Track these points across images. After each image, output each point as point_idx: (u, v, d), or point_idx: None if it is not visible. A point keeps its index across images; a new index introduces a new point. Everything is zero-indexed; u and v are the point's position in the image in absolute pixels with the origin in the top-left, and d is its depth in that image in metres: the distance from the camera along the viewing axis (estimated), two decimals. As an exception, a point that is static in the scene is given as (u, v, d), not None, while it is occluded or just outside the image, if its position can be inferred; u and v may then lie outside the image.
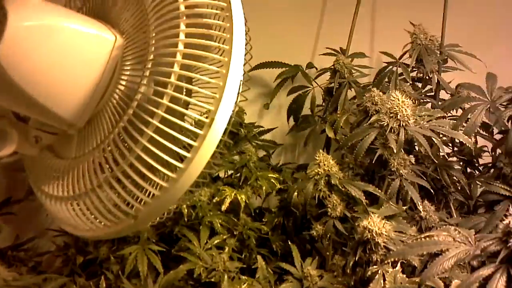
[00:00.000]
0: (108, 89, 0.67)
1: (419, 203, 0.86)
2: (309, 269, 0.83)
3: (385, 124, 0.84)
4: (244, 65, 0.65)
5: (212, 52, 0.66)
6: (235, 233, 0.96)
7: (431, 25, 1.04)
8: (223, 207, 0.94)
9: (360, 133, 0.88)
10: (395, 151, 0.84)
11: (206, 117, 0.62)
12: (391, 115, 0.84)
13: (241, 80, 0.64)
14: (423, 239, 0.62)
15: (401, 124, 0.84)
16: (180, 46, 0.62)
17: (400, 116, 0.83)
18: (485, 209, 0.94)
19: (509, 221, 0.54)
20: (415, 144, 0.90)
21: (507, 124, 0.88)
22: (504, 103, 0.88)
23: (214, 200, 0.95)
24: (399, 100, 0.84)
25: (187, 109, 0.66)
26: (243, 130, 1.09)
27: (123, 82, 0.67)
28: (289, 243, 0.91)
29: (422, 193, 0.91)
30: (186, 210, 0.91)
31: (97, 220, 0.67)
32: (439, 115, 0.90)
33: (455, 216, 0.94)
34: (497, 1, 1.23)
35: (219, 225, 0.93)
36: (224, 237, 0.93)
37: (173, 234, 0.94)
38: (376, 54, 1.19)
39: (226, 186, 0.98)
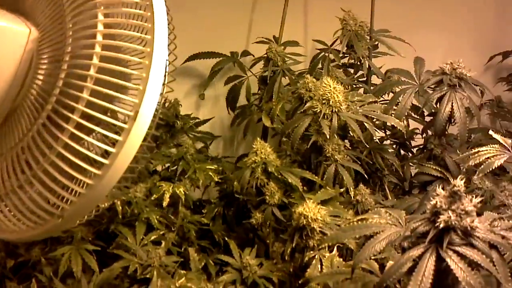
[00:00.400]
0: (25, 84, 0.64)
1: (351, 188, 0.87)
2: (248, 259, 0.82)
3: (318, 110, 0.84)
4: (168, 55, 0.63)
5: (134, 43, 0.63)
6: (173, 228, 0.94)
7: (360, 12, 1.05)
8: (164, 203, 0.92)
9: (295, 120, 0.88)
10: (328, 137, 0.84)
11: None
12: (323, 101, 0.84)
13: (166, 71, 0.62)
14: (356, 222, 0.63)
15: (334, 110, 0.84)
16: (99, 37, 0.60)
17: (332, 102, 0.84)
18: (419, 190, 0.97)
19: (436, 201, 0.55)
20: (349, 129, 0.91)
21: (435, 106, 0.91)
22: (432, 86, 0.90)
23: (152, 198, 0.93)
24: (331, 87, 0.84)
25: (111, 103, 0.63)
26: (179, 122, 1.06)
27: (40, 77, 0.63)
28: (225, 236, 0.90)
29: (358, 177, 0.92)
30: (120, 208, 0.88)
31: (21, 222, 0.64)
32: (370, 100, 0.91)
33: (390, 198, 0.96)
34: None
35: (156, 220, 0.91)
36: (162, 232, 0.91)
37: (110, 232, 0.91)
38: (310, 41, 1.19)
39: (163, 181, 0.96)
